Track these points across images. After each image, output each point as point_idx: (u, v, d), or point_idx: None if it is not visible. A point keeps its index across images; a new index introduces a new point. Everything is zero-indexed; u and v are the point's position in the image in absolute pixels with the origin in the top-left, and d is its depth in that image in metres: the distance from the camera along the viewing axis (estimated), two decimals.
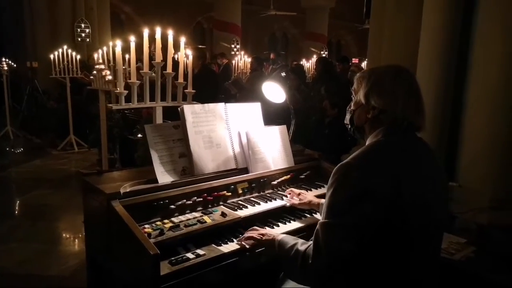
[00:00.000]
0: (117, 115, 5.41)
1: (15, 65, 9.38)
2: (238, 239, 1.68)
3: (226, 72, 8.03)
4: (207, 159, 1.98)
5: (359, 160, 1.31)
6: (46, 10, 9.22)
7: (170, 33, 2.35)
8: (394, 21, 3.16)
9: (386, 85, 1.38)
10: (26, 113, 8.30)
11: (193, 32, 18.51)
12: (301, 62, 9.68)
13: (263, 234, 1.63)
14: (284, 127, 2.29)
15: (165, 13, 17.15)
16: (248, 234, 1.66)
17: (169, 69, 2.39)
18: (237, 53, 12.67)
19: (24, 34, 9.70)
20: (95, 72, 3.99)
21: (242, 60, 7.58)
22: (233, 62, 7.46)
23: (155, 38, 2.30)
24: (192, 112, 1.97)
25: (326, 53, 16.18)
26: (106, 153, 4.24)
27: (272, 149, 2.20)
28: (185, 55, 2.44)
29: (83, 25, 9.60)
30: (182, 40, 2.42)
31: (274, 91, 2.30)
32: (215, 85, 5.98)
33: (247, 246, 1.62)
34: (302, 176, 2.29)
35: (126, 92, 2.28)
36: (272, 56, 8.68)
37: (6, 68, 7.65)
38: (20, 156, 6.78)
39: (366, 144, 1.43)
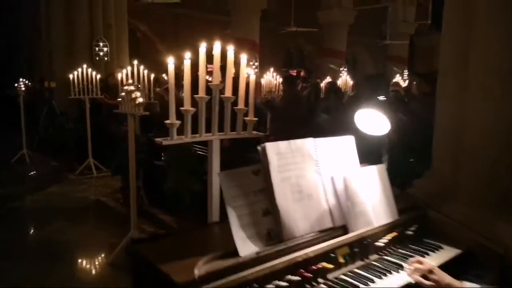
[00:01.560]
0: (142, 138, 4.96)
1: (30, 84, 9.06)
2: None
3: None
4: (298, 216, 1.45)
5: None
6: (64, 28, 8.95)
7: (231, 48, 1.86)
8: (489, 27, 2.58)
9: None
10: (43, 135, 7.92)
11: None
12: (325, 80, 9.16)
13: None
14: (382, 166, 1.76)
15: (180, 31, 16.98)
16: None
17: (228, 92, 1.89)
18: (255, 70, 12.25)
19: (40, 53, 9.46)
20: (123, 94, 3.54)
21: (266, 77, 7.08)
22: (262, 80, 7.00)
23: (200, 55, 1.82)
24: (277, 152, 1.46)
25: (345, 69, 15.74)
26: (135, 185, 3.76)
27: (372, 197, 1.67)
28: (247, 74, 1.95)
29: (101, 44, 9.31)
30: (244, 57, 1.93)
31: (373, 120, 1.79)
32: None
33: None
34: (409, 232, 1.74)
35: (178, 123, 1.79)
36: (302, 73, 8.26)
37: (23, 88, 7.30)
38: (35, 182, 6.32)
39: None
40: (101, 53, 9.32)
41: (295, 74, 11.14)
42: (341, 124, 4.42)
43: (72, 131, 7.01)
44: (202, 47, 1.78)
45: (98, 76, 6.66)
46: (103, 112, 7.66)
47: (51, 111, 7.74)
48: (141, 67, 5.03)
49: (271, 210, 1.42)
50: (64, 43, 8.94)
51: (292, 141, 1.53)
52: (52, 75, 8.68)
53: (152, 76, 5.43)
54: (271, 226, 1.40)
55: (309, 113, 5.07)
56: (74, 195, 5.61)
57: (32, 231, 4.37)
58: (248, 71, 1.94)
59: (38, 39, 9.56)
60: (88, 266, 3.67)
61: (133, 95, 3.34)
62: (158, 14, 16.05)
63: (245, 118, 2.00)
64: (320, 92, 6.44)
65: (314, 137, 1.62)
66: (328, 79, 9.35)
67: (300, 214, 1.46)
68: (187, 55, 1.75)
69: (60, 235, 4.20)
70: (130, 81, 3.42)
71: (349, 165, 1.67)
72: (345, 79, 8.27)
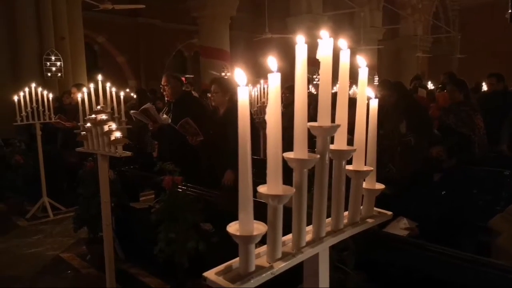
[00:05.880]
0: (112, 176, 3.82)
1: None
2: None
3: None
4: None
5: None
6: (6, 41, 7.58)
7: (345, 47, 0.87)
8: None
9: None
10: None
11: (173, 61, 17.11)
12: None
13: None
14: None
15: (141, 42, 15.68)
16: None
17: (342, 140, 0.90)
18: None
19: None
20: (89, 124, 2.43)
21: (257, 90, 6.08)
22: (253, 92, 6.02)
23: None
24: None
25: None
26: (111, 244, 2.67)
27: None
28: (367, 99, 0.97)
29: (53, 58, 7.98)
30: (363, 66, 0.95)
31: None
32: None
33: None
34: None
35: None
36: None
37: None
38: None
39: None
40: (54, 69, 7.99)
41: None
42: None
43: (20, 166, 5.67)
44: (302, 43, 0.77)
45: (51, 96, 5.42)
46: (59, 139, 6.38)
47: None
48: (108, 84, 3.84)
49: None
50: (7, 58, 7.56)
51: None
52: None
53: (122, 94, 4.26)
54: None
55: None
56: (24, 251, 4.34)
57: None
58: (368, 93, 0.96)
59: None
60: None
61: (106, 127, 2.26)
62: (118, 25, 14.71)
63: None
64: None
65: None
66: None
67: None
68: (273, 63, 0.73)
69: None
70: (99, 107, 2.32)
71: None
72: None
